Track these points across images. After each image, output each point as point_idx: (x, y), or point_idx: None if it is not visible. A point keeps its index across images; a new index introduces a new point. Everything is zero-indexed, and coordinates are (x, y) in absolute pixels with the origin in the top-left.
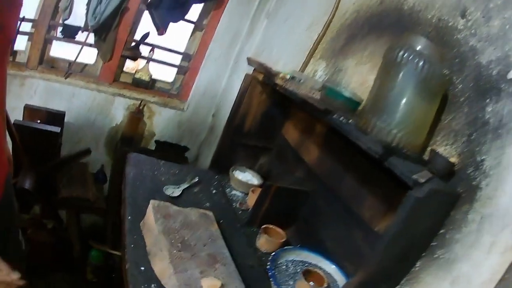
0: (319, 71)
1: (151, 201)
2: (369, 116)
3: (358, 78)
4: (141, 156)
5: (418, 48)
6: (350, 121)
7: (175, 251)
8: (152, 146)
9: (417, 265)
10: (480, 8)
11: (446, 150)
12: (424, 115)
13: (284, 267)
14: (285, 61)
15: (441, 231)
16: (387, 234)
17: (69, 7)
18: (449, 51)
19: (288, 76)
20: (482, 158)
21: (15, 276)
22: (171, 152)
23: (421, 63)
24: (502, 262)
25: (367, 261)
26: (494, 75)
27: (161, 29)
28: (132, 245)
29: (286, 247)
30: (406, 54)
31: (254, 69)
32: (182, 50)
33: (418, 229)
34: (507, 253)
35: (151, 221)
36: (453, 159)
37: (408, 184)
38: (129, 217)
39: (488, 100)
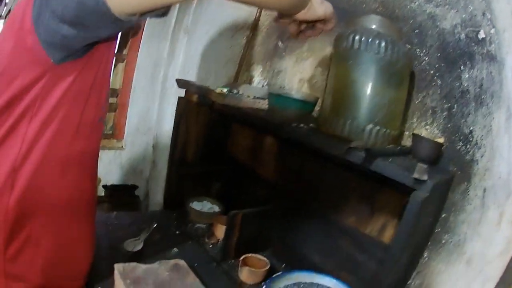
0: (255, 77)
1: (116, 266)
2: (333, 118)
3: (303, 75)
4: None
5: (373, 27)
6: (311, 125)
7: None
8: (101, 193)
9: (425, 256)
10: None
11: (428, 131)
12: (395, 102)
13: None
14: (215, 76)
15: (443, 216)
16: (397, 243)
17: None
18: (404, 24)
19: (225, 91)
20: (470, 129)
21: None
22: (121, 193)
23: (383, 44)
24: None
25: (382, 274)
26: (463, 38)
27: None
28: None
29: (274, 276)
30: (363, 38)
31: (186, 91)
32: None
33: (424, 225)
34: None
35: None
36: (439, 139)
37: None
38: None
39: (462, 67)
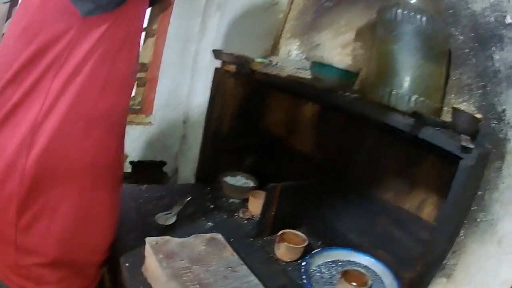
0: (293, 51)
1: (147, 240)
2: (379, 87)
3: (342, 49)
4: None
5: (413, 2)
6: (355, 95)
7: None
8: (128, 169)
9: (461, 235)
10: None
11: (464, 106)
12: (436, 75)
13: (318, 274)
14: (249, 51)
15: (479, 193)
16: (443, 219)
17: None
18: (439, 3)
19: (265, 61)
20: (503, 108)
21: None
22: (149, 170)
23: (424, 19)
24: None
25: (427, 252)
26: (492, 21)
27: None
28: None
29: (313, 252)
30: (405, 11)
31: (223, 62)
32: None
33: (467, 199)
34: None
35: (155, 266)
36: (477, 115)
37: (454, 153)
38: (126, 264)
39: (493, 48)
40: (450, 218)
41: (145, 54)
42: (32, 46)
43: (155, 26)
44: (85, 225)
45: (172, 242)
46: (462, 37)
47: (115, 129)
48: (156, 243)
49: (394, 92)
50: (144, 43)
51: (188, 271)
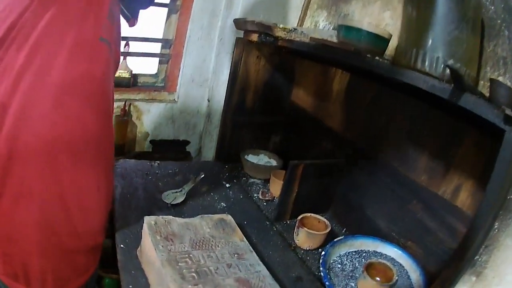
0: (320, 22)
1: (145, 219)
2: (413, 50)
3: (371, 19)
4: (128, 163)
5: None
6: (386, 62)
7: (189, 286)
8: (149, 148)
9: (495, 228)
10: None
11: (500, 80)
12: (472, 42)
13: (339, 266)
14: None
15: None
16: (484, 205)
17: None
18: None
19: (291, 28)
20: None
21: None
22: (171, 149)
23: None
24: None
25: (462, 246)
26: None
27: (132, 19)
28: (130, 287)
29: (336, 240)
30: None
31: (245, 32)
32: (159, 37)
33: (506, 183)
34: None
35: (150, 248)
36: None
37: (497, 126)
38: (121, 245)
39: None
40: (491, 205)
41: (169, 30)
42: (1, 29)
43: (179, 2)
44: (67, 208)
45: (174, 222)
46: (493, 8)
47: (91, 99)
48: (155, 223)
49: (428, 55)
50: (167, 19)
51: (187, 257)
